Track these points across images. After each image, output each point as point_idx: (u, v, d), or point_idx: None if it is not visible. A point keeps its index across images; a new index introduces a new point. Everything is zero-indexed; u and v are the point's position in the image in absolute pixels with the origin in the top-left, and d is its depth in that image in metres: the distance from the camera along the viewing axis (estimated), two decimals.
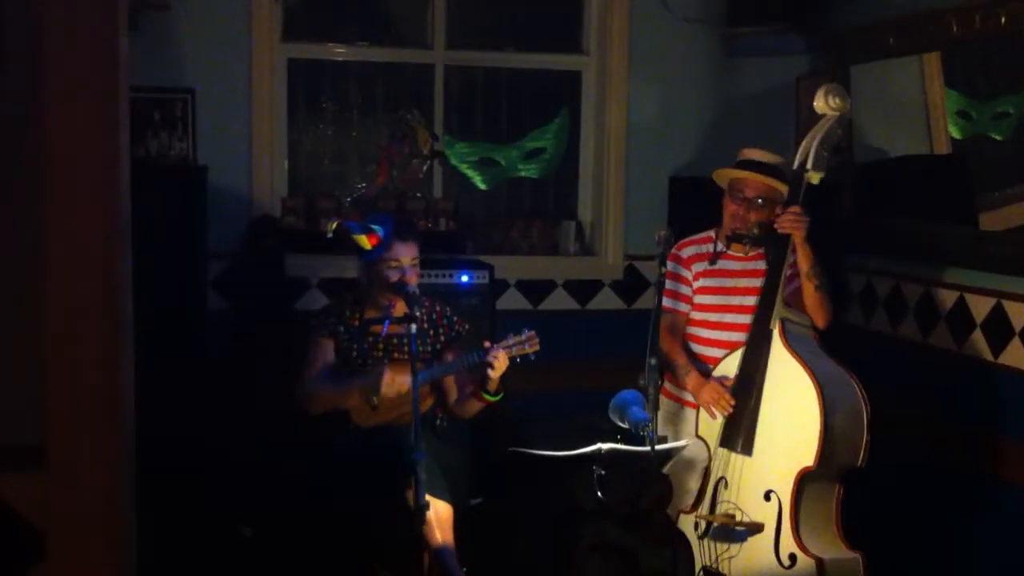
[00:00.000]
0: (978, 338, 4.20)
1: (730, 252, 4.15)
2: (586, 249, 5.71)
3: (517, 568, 4.21)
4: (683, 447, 3.88)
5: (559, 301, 5.56)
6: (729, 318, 4.10)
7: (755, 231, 4.04)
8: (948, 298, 4.37)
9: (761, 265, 4.04)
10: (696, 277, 4.18)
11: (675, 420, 4.16)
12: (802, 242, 3.81)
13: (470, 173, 5.74)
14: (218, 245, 4.93)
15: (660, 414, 3.74)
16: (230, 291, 5.08)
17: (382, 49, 5.56)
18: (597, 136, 5.66)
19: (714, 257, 4.14)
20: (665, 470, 3.84)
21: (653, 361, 3.67)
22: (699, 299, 4.16)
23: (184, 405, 4.32)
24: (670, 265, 4.17)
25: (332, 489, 3.95)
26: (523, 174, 5.81)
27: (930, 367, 4.47)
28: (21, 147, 1.67)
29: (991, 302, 4.13)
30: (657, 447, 3.64)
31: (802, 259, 3.85)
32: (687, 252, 4.22)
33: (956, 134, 4.60)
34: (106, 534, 1.70)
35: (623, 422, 3.80)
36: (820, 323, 3.92)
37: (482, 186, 5.76)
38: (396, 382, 3.97)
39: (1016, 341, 4.00)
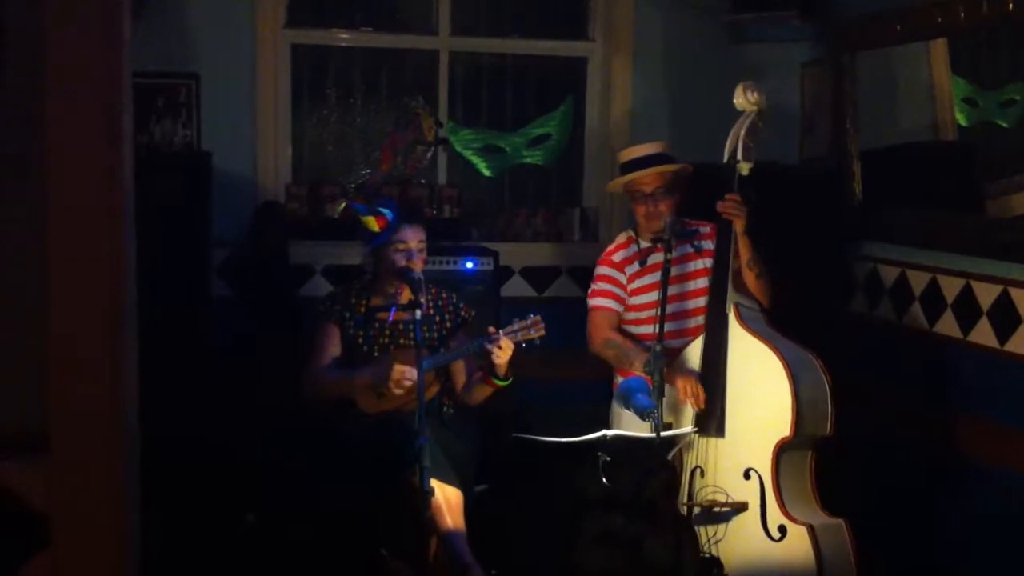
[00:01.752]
0: (984, 326, 4.18)
1: (656, 247, 4.19)
2: (591, 236, 5.70)
3: (522, 555, 4.21)
4: (689, 433, 3.88)
5: (564, 288, 5.55)
6: (680, 306, 4.20)
7: (677, 227, 4.07)
8: (954, 286, 4.35)
9: (688, 250, 4.18)
10: (631, 279, 4.31)
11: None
12: (742, 232, 3.99)
13: (475, 160, 5.72)
14: (222, 232, 4.92)
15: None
16: (234, 278, 5.07)
17: (386, 35, 5.55)
18: (602, 123, 5.64)
19: (643, 258, 4.24)
20: (670, 457, 3.84)
21: (658, 348, 3.71)
22: (643, 298, 4.26)
23: (188, 392, 4.32)
24: (604, 269, 4.39)
25: (338, 476, 3.95)
26: (528, 161, 5.80)
27: (936, 355, 4.46)
28: (23, 134, 1.67)
29: (997, 290, 4.11)
30: (662, 434, 3.64)
31: (743, 249, 4.00)
32: (618, 257, 4.38)
33: (962, 121, 4.58)
34: (109, 520, 1.70)
35: (628, 409, 3.80)
36: (764, 304, 4.07)
37: (487, 173, 5.75)
38: (404, 377, 3.96)
39: (1023, 329, 3.98)
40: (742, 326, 3.88)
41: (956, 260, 4.35)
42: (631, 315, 4.32)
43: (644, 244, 4.28)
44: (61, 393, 1.64)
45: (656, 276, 4.13)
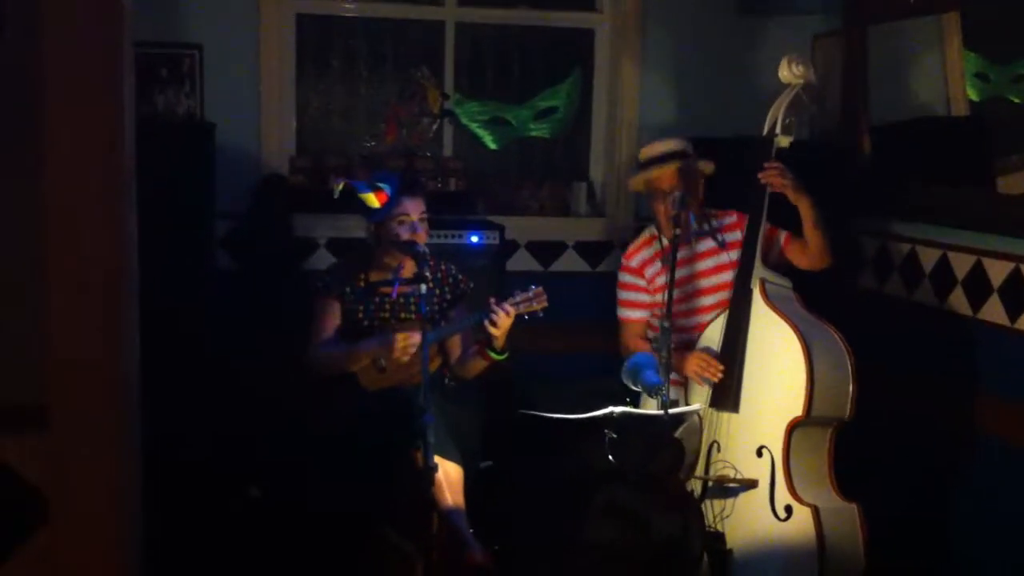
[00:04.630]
0: (995, 303, 4.14)
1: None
2: (597, 210, 5.66)
3: (526, 531, 4.19)
4: (696, 411, 3.86)
5: (569, 262, 5.52)
6: (701, 301, 4.16)
7: (694, 226, 4.06)
8: (965, 263, 4.31)
9: (711, 244, 4.12)
10: (652, 280, 4.24)
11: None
12: (797, 196, 3.88)
13: (480, 132, 5.68)
14: (226, 203, 4.89)
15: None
16: (238, 250, 5.04)
17: (392, 5, 5.49)
18: (609, 95, 5.59)
19: (665, 256, 4.11)
20: (677, 434, 3.82)
21: (666, 324, 3.67)
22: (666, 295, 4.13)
23: (190, 366, 4.30)
24: (624, 277, 4.32)
25: (340, 452, 3.93)
26: (534, 134, 5.75)
27: (946, 332, 4.42)
28: (21, 103, 1.63)
29: (1009, 267, 4.07)
30: (670, 411, 3.62)
31: (805, 213, 3.91)
32: (635, 261, 4.29)
33: (974, 96, 4.53)
34: (110, 496, 1.68)
35: (636, 385, 3.78)
36: (823, 264, 4.03)
37: (492, 146, 5.70)
38: (408, 343, 3.92)
39: None
40: (766, 303, 3.82)
41: (967, 236, 4.31)
42: (659, 311, 4.18)
43: (666, 243, 4.13)
44: (60, 367, 1.61)
45: (679, 273, 4.08)
